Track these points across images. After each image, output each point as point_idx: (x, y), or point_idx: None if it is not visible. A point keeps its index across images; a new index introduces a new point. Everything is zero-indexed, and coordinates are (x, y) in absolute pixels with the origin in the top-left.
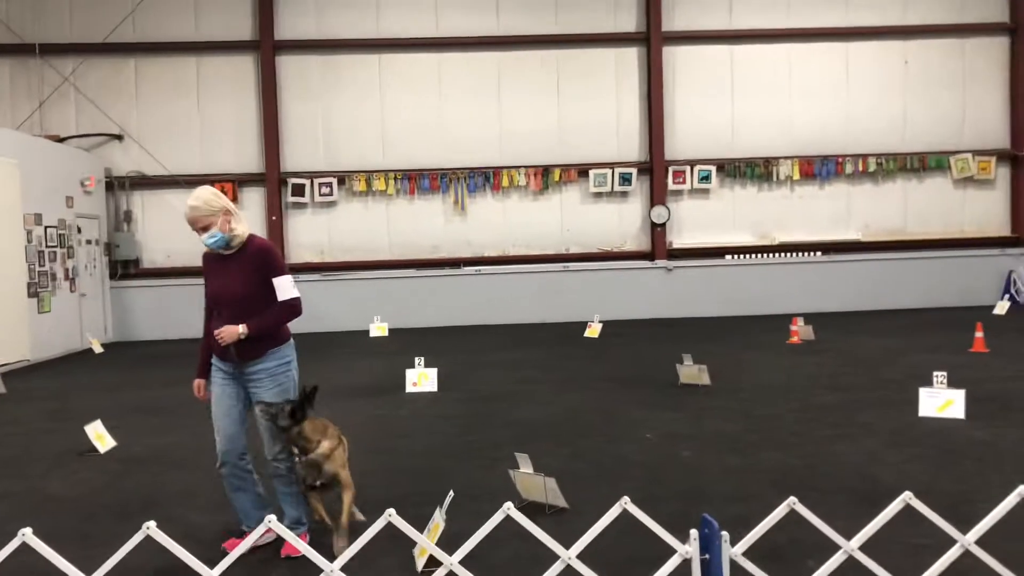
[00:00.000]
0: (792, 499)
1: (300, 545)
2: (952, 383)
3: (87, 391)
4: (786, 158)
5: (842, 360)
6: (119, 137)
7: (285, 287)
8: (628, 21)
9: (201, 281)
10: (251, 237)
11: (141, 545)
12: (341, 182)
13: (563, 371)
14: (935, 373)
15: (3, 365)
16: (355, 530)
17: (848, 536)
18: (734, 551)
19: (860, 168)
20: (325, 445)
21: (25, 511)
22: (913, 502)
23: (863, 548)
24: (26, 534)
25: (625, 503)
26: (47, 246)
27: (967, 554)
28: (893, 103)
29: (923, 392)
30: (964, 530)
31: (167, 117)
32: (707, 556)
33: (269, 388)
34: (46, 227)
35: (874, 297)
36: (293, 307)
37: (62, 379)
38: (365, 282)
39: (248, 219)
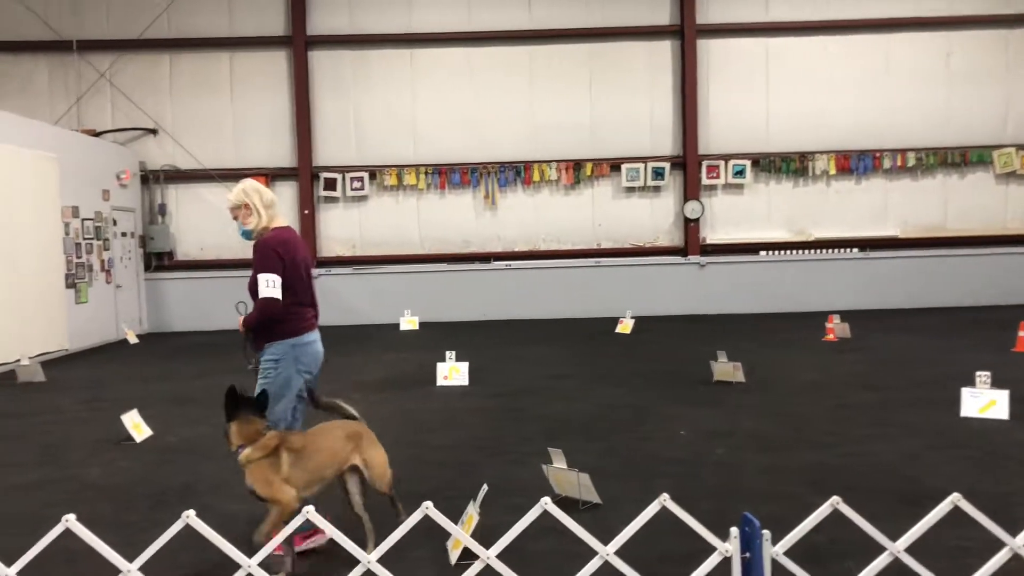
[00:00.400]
0: (835, 498)
1: (337, 536)
2: (995, 383)
3: (123, 381)
4: (822, 153)
5: (879, 358)
6: (154, 131)
7: (261, 285)
8: (661, 14)
9: (234, 273)
10: (267, 231)
11: (180, 533)
12: (372, 176)
13: (595, 367)
14: (978, 373)
15: (43, 354)
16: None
17: (892, 538)
18: (775, 550)
19: (899, 163)
20: (244, 453)
21: (66, 498)
22: (962, 503)
23: (906, 550)
24: (70, 520)
25: (664, 500)
26: (84, 238)
27: (1015, 557)
28: (934, 96)
29: (965, 392)
30: (1011, 533)
31: (201, 112)
32: (748, 555)
33: (259, 381)
34: (83, 220)
35: (912, 295)
36: (263, 307)
37: (98, 369)
38: (396, 276)
39: (282, 212)
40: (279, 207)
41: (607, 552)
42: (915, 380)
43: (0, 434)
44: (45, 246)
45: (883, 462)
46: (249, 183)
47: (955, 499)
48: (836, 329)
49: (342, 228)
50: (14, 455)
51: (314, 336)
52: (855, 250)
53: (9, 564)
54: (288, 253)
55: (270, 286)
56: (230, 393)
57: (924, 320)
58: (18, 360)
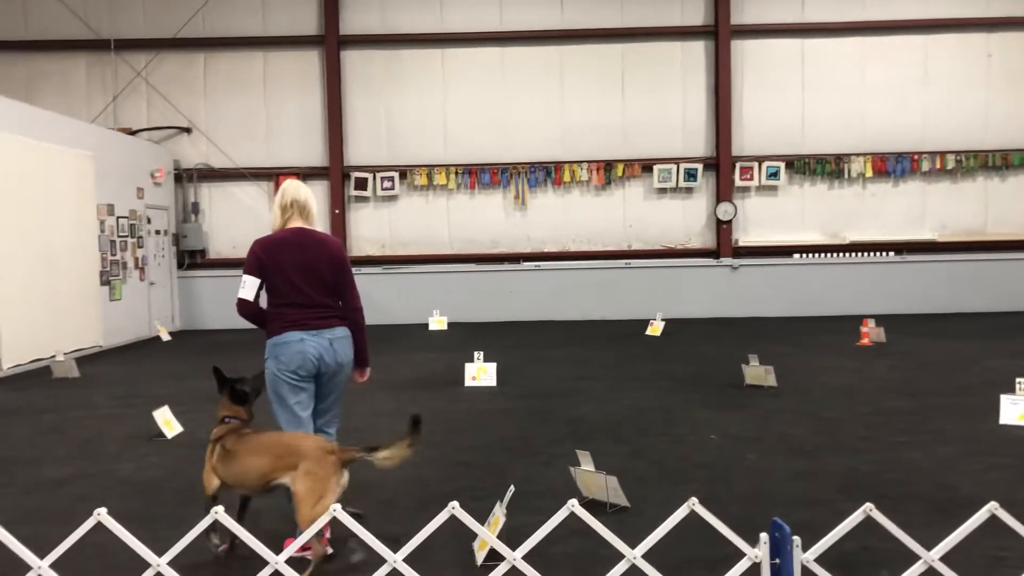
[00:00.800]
0: (868, 505)
1: (364, 534)
2: None
3: (155, 377)
4: (858, 155)
5: (915, 364)
6: (188, 130)
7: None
8: (695, 14)
9: None
10: (276, 232)
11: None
12: (403, 176)
13: (624, 369)
14: (1018, 379)
15: (77, 350)
16: (405, 527)
17: (926, 546)
18: (806, 556)
19: (937, 165)
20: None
21: (98, 492)
22: (999, 513)
23: (941, 559)
24: (101, 514)
25: (693, 504)
26: (118, 236)
27: None
28: (974, 98)
29: (1005, 399)
30: None
31: (234, 111)
32: (777, 561)
33: None
34: (118, 217)
35: (950, 299)
36: (236, 306)
37: (131, 365)
38: (425, 276)
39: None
40: (307, 209)
41: (634, 555)
42: (952, 386)
43: (36, 429)
44: (81, 243)
45: (918, 469)
46: (283, 185)
47: (992, 508)
48: (871, 333)
49: (372, 228)
50: (49, 449)
51: (295, 336)
52: (891, 254)
53: (43, 556)
54: (271, 255)
55: (242, 287)
56: (215, 371)
57: (962, 325)
58: (53, 356)
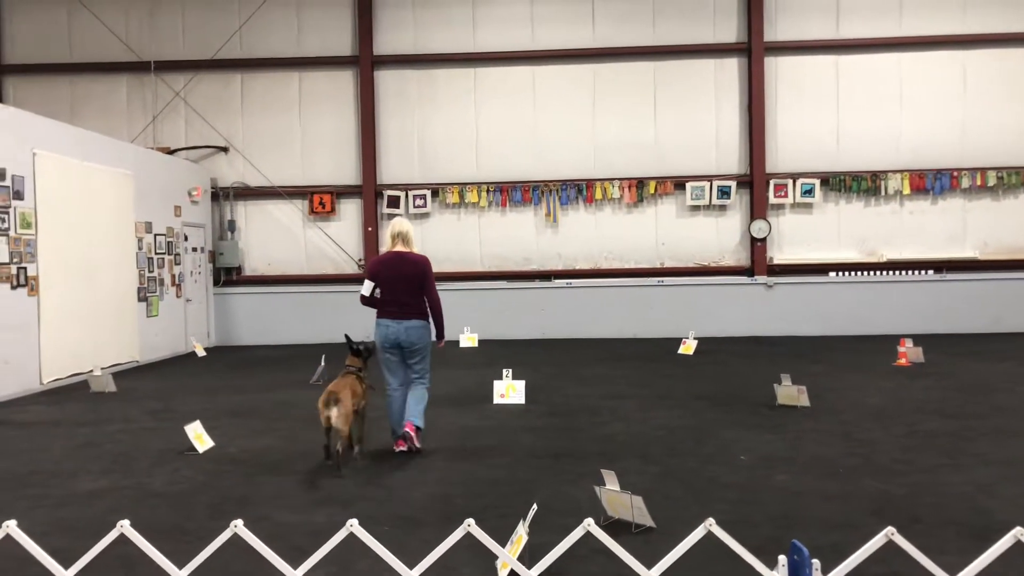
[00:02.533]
0: (890, 529)
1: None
2: None
3: (189, 393)
4: (895, 171)
5: (954, 385)
6: (225, 149)
7: None
8: (728, 31)
9: (300, 288)
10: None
11: (232, 542)
12: (435, 194)
13: (654, 388)
14: None
15: (114, 365)
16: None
17: (954, 572)
18: None
19: (978, 182)
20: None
21: (130, 505)
22: None
23: None
24: (124, 526)
25: (710, 525)
26: (156, 253)
27: None
28: (1015, 113)
29: None
30: None
31: (270, 130)
32: None
33: None
34: (155, 235)
35: (992, 319)
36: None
37: (167, 380)
38: (456, 293)
39: (346, 229)
40: (405, 236)
41: None
42: (992, 408)
43: (73, 442)
44: (120, 260)
45: (954, 493)
46: (392, 220)
47: (1017, 533)
48: (908, 353)
49: None
50: (85, 462)
51: (385, 322)
52: (930, 272)
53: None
54: (374, 268)
55: (364, 287)
56: (345, 337)
57: (1004, 345)
58: (91, 371)
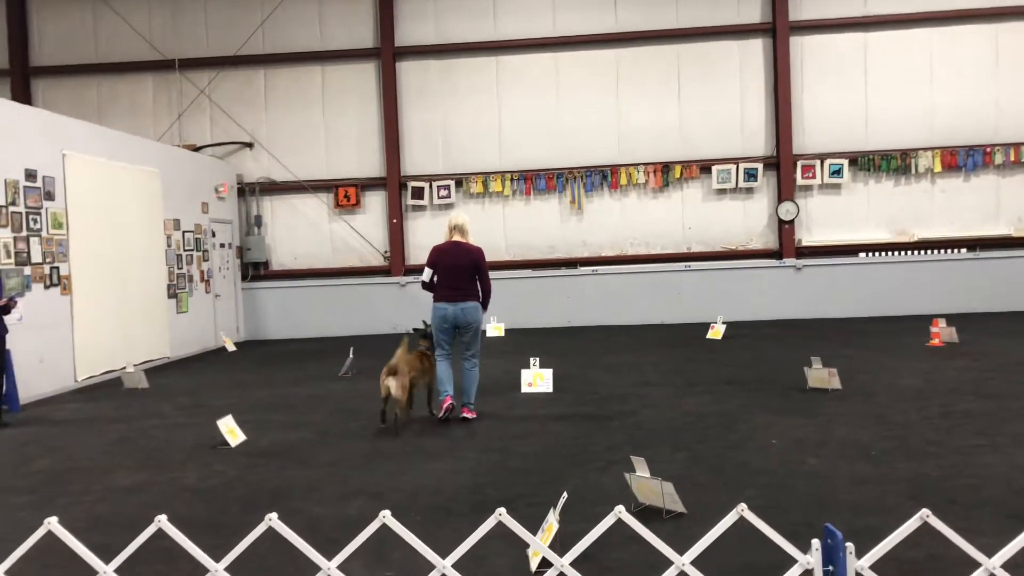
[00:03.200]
0: (925, 511)
1: (415, 542)
2: None
3: (220, 387)
4: (926, 149)
5: (990, 364)
6: (250, 145)
7: None
8: (752, 12)
9: (326, 282)
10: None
11: (267, 535)
12: (459, 184)
13: (683, 374)
14: None
15: (147, 362)
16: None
17: (991, 554)
18: (860, 563)
19: (1012, 158)
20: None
21: (165, 500)
22: None
23: (1007, 567)
24: (162, 520)
25: (742, 510)
26: (184, 250)
27: None
28: None
29: None
30: None
31: (294, 124)
32: (831, 568)
33: None
34: (183, 232)
35: None
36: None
37: (198, 376)
38: None
39: (371, 222)
40: (462, 228)
41: (683, 562)
42: None
43: (107, 438)
44: (149, 258)
45: (991, 475)
46: (451, 213)
47: None
48: (942, 333)
49: (429, 236)
50: (120, 458)
51: (442, 305)
52: (963, 250)
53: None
54: (433, 256)
55: (424, 273)
56: (423, 323)
57: None
58: (124, 367)
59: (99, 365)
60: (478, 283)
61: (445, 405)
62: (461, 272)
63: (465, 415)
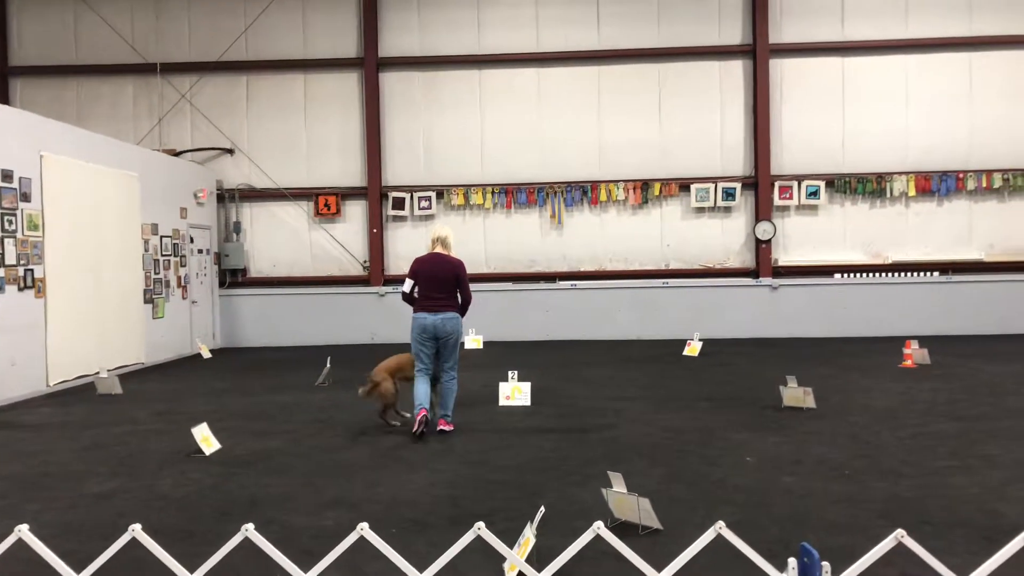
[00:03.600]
0: (900, 531)
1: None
2: None
3: (195, 395)
4: (900, 173)
5: (961, 386)
6: (230, 151)
7: None
8: (733, 33)
9: (305, 290)
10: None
11: (240, 545)
12: (440, 196)
13: (660, 389)
14: None
15: (121, 367)
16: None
17: (963, 574)
18: None
19: (984, 184)
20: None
21: (138, 507)
22: None
23: None
24: (135, 529)
25: (720, 527)
26: (162, 255)
27: None
28: (1022, 115)
29: None
30: None
31: (276, 132)
32: None
33: None
34: (161, 236)
35: (998, 320)
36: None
37: (173, 382)
38: None
39: (352, 231)
40: (444, 240)
41: None
42: (999, 410)
43: (79, 444)
44: (126, 262)
45: (962, 495)
46: (434, 226)
47: None
48: (914, 355)
49: (409, 246)
50: (92, 464)
51: (422, 315)
52: (936, 273)
53: (81, 571)
54: (414, 267)
55: (405, 284)
56: None
57: (1011, 347)
58: (97, 372)
59: (72, 370)
60: (458, 295)
61: (419, 417)
62: (441, 283)
63: (442, 427)
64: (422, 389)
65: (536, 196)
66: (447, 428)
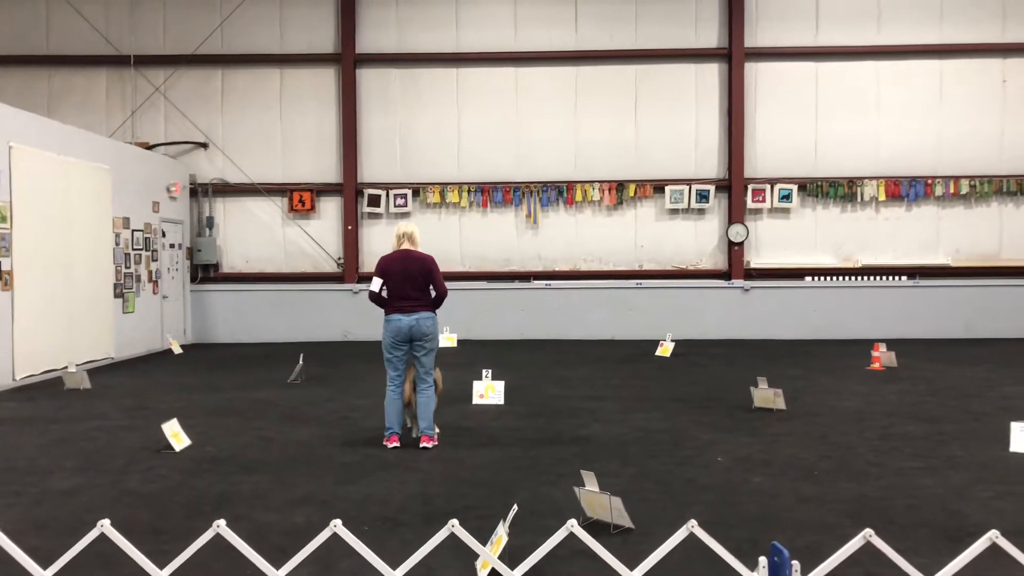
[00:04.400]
0: (868, 531)
1: (366, 552)
2: None
3: (165, 390)
4: (871, 178)
5: (927, 389)
6: (204, 145)
7: None
8: (709, 37)
9: (278, 286)
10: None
11: (211, 542)
12: (416, 193)
13: (633, 389)
14: None
15: (89, 362)
16: (410, 546)
17: (928, 574)
18: None
19: (951, 190)
20: None
21: (106, 503)
22: (1000, 541)
23: None
24: (104, 525)
25: (692, 526)
26: (133, 249)
27: None
28: (989, 123)
29: (1015, 426)
30: None
31: (251, 127)
32: None
33: None
34: (133, 230)
35: (964, 325)
36: (369, 295)
37: (142, 378)
38: None
39: (326, 228)
40: (411, 236)
41: None
42: (964, 412)
43: (46, 440)
44: (96, 256)
45: (927, 496)
46: (399, 223)
47: (992, 536)
48: (882, 358)
49: (384, 244)
50: (59, 460)
51: (396, 316)
52: (904, 278)
53: (47, 567)
54: (382, 266)
55: (372, 284)
56: None
57: (976, 351)
58: (65, 367)
59: (39, 364)
60: (431, 292)
61: (391, 446)
62: (413, 281)
63: (425, 444)
64: (395, 408)
65: (512, 195)
66: (430, 444)
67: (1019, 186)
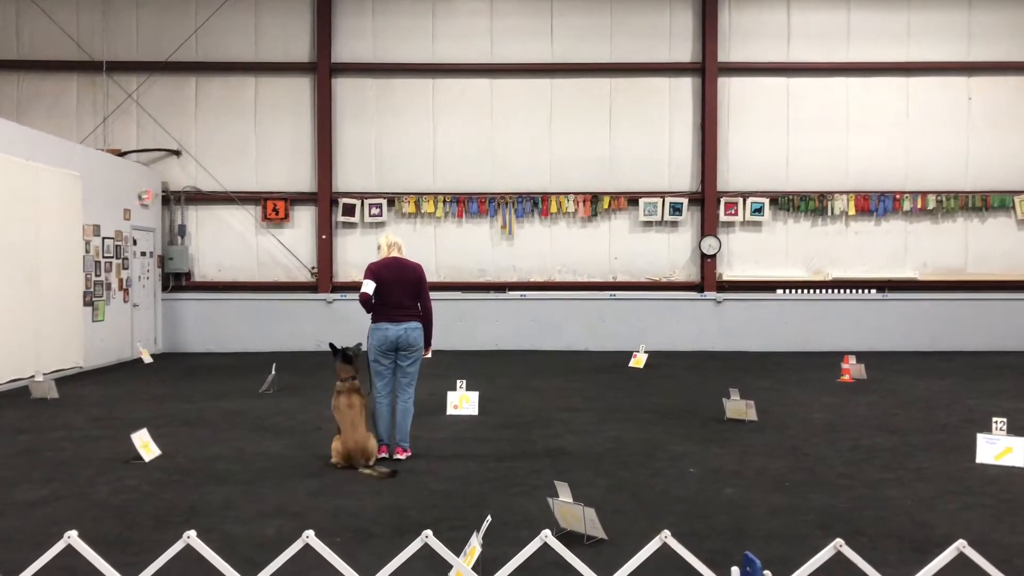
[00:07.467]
0: (839, 541)
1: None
2: (1012, 430)
3: (135, 400)
4: (841, 193)
5: (895, 401)
6: (177, 153)
7: None
8: (683, 51)
9: (251, 295)
10: (379, 260)
11: (181, 553)
12: (391, 203)
13: (606, 401)
14: (994, 419)
15: (57, 371)
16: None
17: None
18: None
19: (919, 205)
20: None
21: (73, 515)
22: (967, 551)
23: None
24: (71, 537)
25: (665, 536)
26: (104, 256)
27: None
28: (955, 140)
29: (981, 438)
30: None
31: (224, 135)
32: None
33: None
34: (103, 238)
35: (931, 338)
36: (359, 297)
37: (112, 387)
38: None
39: (300, 237)
40: (399, 246)
41: None
42: (931, 424)
43: (12, 450)
44: (65, 263)
45: (895, 507)
46: (384, 232)
47: (960, 546)
48: (852, 370)
49: (359, 253)
50: (24, 471)
51: (384, 325)
52: (873, 291)
53: None
54: (374, 271)
55: (365, 286)
56: (330, 345)
57: (943, 364)
58: (32, 376)
59: (5, 373)
60: (419, 304)
61: (380, 455)
62: (405, 290)
63: (399, 456)
64: (385, 423)
65: (487, 206)
66: (403, 456)
67: (984, 202)
